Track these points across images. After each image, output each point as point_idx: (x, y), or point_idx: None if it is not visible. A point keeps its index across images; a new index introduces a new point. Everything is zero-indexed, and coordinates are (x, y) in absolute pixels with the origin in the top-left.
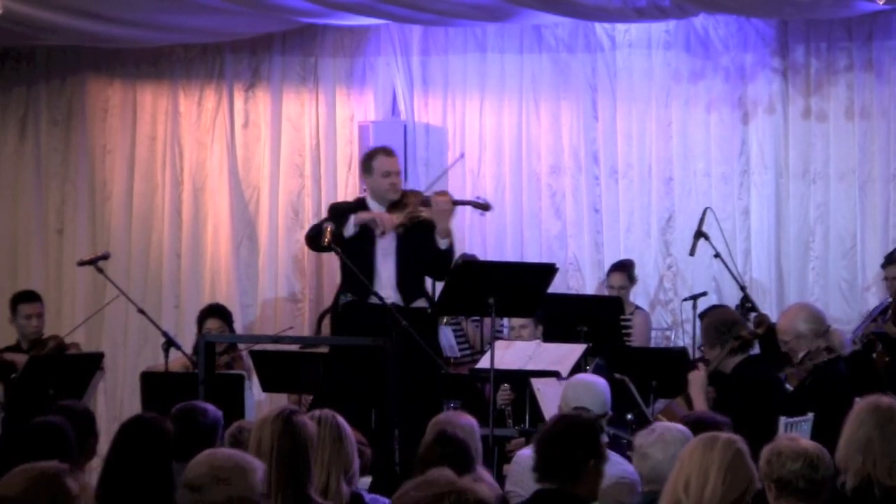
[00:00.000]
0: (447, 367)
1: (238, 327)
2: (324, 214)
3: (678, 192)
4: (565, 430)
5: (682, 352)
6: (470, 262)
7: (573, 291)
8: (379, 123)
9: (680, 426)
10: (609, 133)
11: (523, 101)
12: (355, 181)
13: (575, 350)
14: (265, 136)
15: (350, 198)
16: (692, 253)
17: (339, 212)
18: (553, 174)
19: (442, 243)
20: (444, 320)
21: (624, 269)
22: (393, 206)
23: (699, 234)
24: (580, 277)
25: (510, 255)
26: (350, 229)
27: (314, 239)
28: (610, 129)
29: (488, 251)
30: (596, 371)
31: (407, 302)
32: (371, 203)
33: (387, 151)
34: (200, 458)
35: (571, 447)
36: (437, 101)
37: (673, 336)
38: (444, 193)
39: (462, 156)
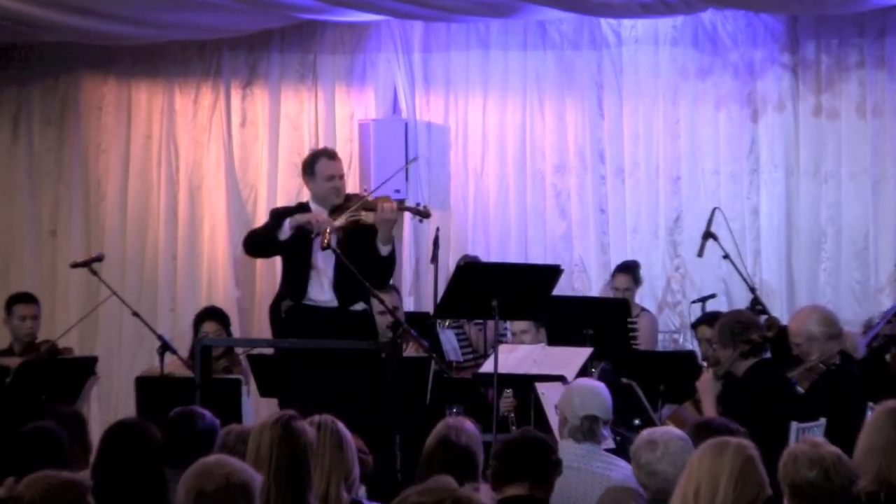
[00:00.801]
0: (449, 370)
1: (235, 331)
2: None
3: (686, 192)
4: (537, 439)
5: (690, 355)
6: (472, 264)
7: (578, 293)
8: (379, 122)
9: (678, 432)
10: (615, 131)
11: (527, 99)
12: (355, 181)
13: (580, 354)
14: (263, 135)
15: None
16: (700, 254)
17: (279, 216)
18: (558, 173)
19: (383, 249)
20: (447, 323)
21: (629, 270)
22: (336, 210)
23: (707, 234)
24: (586, 279)
25: (514, 257)
26: (285, 233)
27: (256, 244)
28: (616, 127)
29: (491, 252)
30: (602, 375)
31: (343, 304)
32: (314, 207)
33: (329, 154)
34: (211, 467)
35: (546, 454)
36: (439, 98)
37: (681, 339)
38: (387, 199)
39: (416, 158)
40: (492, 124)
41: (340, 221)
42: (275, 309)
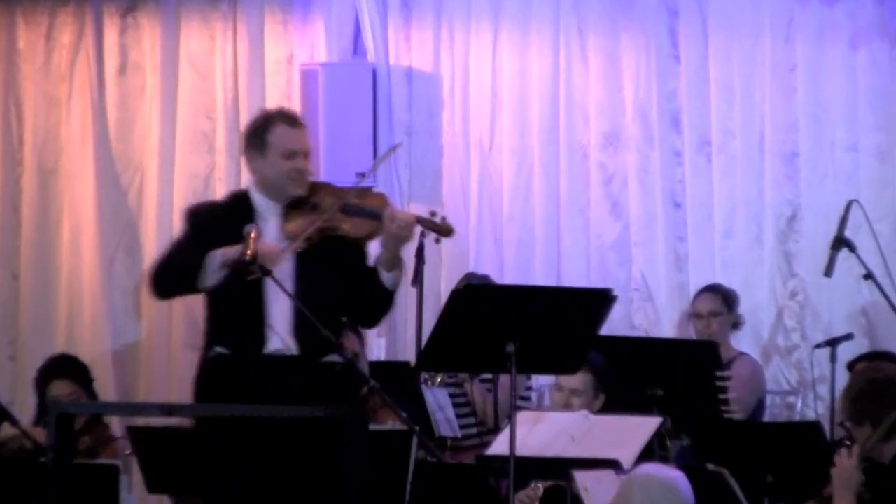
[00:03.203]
0: (441, 452)
1: (109, 389)
2: None
3: (807, 176)
4: None
5: (813, 428)
6: (475, 288)
7: (640, 332)
8: (333, 67)
9: None
10: (697, 83)
11: (562, 35)
12: None
13: (643, 426)
14: (153, 88)
15: None
16: (829, 272)
17: (198, 235)
18: (609, 148)
19: (387, 279)
20: (438, 379)
21: (718, 292)
22: (295, 208)
23: (840, 241)
24: (651, 310)
25: (540, 277)
26: (212, 277)
27: (170, 286)
28: (698, 76)
29: (505, 269)
30: (680, 459)
31: (310, 355)
32: (257, 197)
33: (289, 119)
34: None
35: None
36: (426, 33)
37: (799, 403)
38: (385, 201)
39: (397, 146)
40: (507, 73)
41: (307, 230)
42: (201, 361)
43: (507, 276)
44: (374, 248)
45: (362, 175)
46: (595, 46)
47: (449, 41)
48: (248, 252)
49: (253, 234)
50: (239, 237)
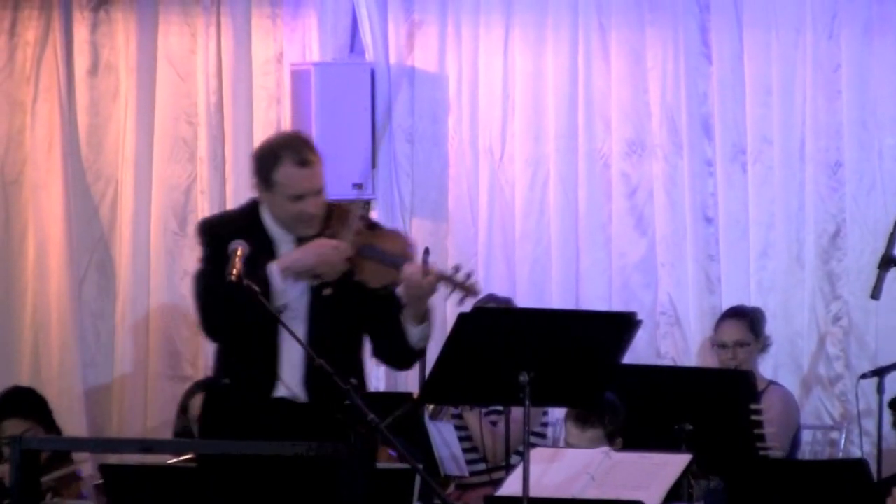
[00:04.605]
0: (442, 490)
1: (80, 424)
2: None
3: (852, 188)
4: None
5: (858, 467)
6: (487, 311)
7: (667, 361)
8: (327, 67)
9: None
10: (730, 84)
11: (580, 30)
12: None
13: (670, 464)
14: (128, 91)
15: None
16: (876, 294)
17: (219, 247)
18: (632, 156)
19: (414, 334)
20: (433, 409)
21: (744, 317)
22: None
23: (889, 261)
24: (679, 336)
25: (556, 300)
26: (282, 293)
27: (221, 316)
28: (732, 77)
29: (518, 290)
30: (709, 501)
31: (320, 405)
32: (269, 222)
33: (299, 156)
34: None
35: None
36: (430, 29)
37: (843, 439)
38: (407, 245)
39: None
40: (520, 73)
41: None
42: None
43: (521, 298)
44: None
45: (359, 186)
46: (618, 43)
47: (455, 38)
48: (234, 271)
49: (239, 252)
50: (257, 255)
